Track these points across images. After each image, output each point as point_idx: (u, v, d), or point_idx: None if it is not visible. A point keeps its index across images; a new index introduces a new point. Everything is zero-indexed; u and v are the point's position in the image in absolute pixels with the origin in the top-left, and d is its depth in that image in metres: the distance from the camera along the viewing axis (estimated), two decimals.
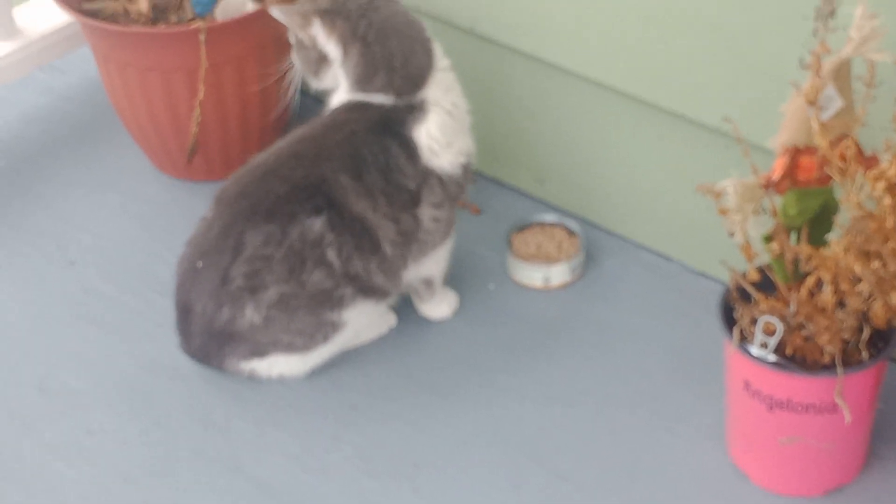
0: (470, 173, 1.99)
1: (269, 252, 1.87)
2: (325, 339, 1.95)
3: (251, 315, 1.90)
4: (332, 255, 1.88)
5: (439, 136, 1.92)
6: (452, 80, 1.96)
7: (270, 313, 1.90)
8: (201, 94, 2.21)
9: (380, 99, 1.92)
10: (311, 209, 1.88)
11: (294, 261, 1.87)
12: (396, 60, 1.89)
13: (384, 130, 1.91)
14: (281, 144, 1.96)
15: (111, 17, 2.27)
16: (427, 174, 1.93)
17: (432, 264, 2.01)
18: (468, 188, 2.01)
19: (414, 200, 1.93)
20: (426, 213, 1.94)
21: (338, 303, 1.92)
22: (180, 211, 2.29)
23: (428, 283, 2.04)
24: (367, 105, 1.92)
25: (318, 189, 1.88)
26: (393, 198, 1.91)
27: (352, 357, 2.03)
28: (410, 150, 1.92)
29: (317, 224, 1.87)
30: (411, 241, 1.95)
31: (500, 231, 2.19)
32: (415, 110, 1.92)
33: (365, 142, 1.90)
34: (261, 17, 2.20)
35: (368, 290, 1.94)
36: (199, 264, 1.91)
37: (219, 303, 1.90)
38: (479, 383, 1.98)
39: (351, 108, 1.94)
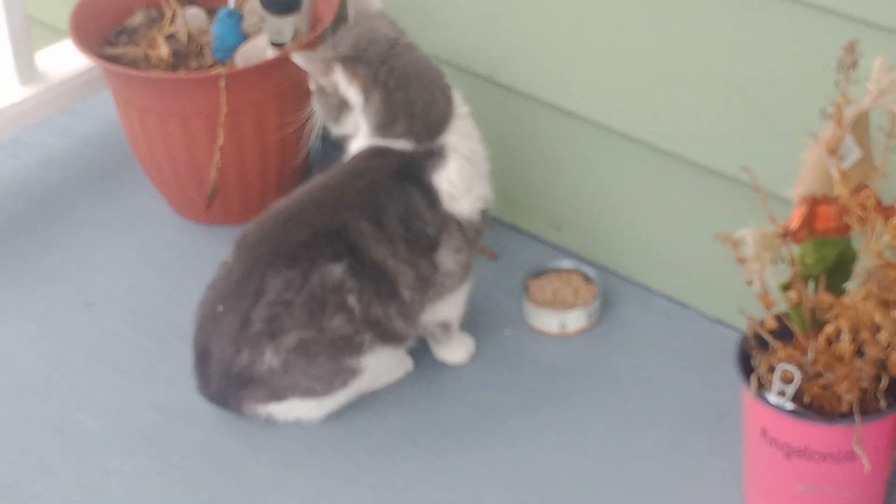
0: (488, 218, 2.00)
1: (289, 297, 1.88)
2: (344, 384, 1.95)
3: (270, 359, 1.91)
4: (352, 300, 1.89)
5: (458, 182, 1.94)
6: (471, 126, 1.98)
7: (289, 358, 1.90)
8: (221, 140, 2.22)
9: (400, 145, 1.93)
10: (332, 255, 1.89)
11: (314, 306, 1.88)
12: (417, 107, 1.91)
13: (404, 177, 1.92)
14: (302, 191, 1.98)
15: (132, 63, 2.29)
16: (447, 220, 1.94)
17: (450, 308, 2.02)
18: (485, 233, 2.02)
19: (433, 246, 1.94)
20: (445, 258, 1.95)
21: (357, 348, 1.92)
22: (198, 255, 2.30)
23: (445, 327, 2.05)
24: (387, 151, 1.94)
25: (338, 236, 1.90)
26: (413, 244, 1.92)
27: (368, 401, 2.03)
28: (430, 196, 1.93)
29: (337, 270, 1.89)
30: (429, 286, 1.96)
31: (516, 277, 2.20)
32: (434, 156, 1.93)
33: (385, 189, 1.92)
34: (281, 63, 2.22)
35: (387, 336, 1.95)
36: (220, 308, 1.92)
37: (238, 347, 1.91)
38: (494, 428, 1.99)
39: (371, 155, 1.95)
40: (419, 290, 1.94)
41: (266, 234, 1.94)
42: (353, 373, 1.94)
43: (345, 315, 1.89)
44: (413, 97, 1.91)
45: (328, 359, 1.91)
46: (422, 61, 1.95)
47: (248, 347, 1.90)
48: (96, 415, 2.03)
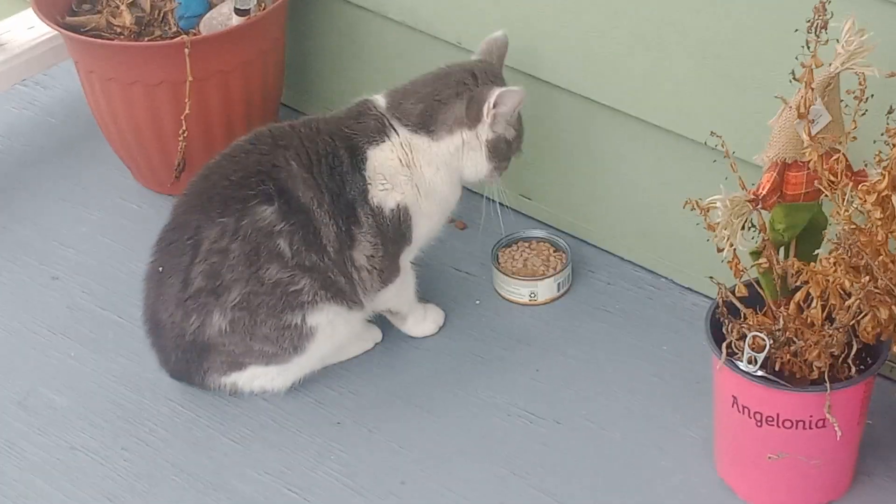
0: (403, 228, 1.95)
1: (224, 244, 1.87)
2: (295, 347, 1.92)
3: (218, 320, 1.89)
4: (283, 244, 1.87)
5: (383, 170, 1.92)
6: (439, 158, 1.96)
7: (235, 316, 1.88)
8: (187, 109, 2.19)
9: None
10: (263, 197, 1.87)
11: (250, 253, 1.87)
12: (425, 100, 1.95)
13: (342, 138, 1.92)
14: (245, 137, 1.98)
15: (95, 31, 2.26)
16: (365, 191, 1.91)
17: (389, 300, 2.01)
18: (402, 247, 1.97)
19: (352, 215, 1.91)
20: (360, 248, 1.93)
21: (296, 299, 1.89)
22: (162, 226, 2.27)
23: (392, 312, 2.04)
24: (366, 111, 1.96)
25: (269, 175, 1.88)
26: (336, 200, 1.89)
27: (336, 373, 2.02)
28: (357, 159, 1.91)
29: (267, 212, 1.87)
30: (346, 261, 1.93)
31: (486, 247, 2.18)
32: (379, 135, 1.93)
33: (324, 138, 1.92)
34: (246, 31, 2.19)
35: (330, 287, 1.91)
36: (160, 269, 1.91)
37: (185, 311, 1.89)
38: (465, 399, 1.97)
39: (351, 111, 1.98)
40: (340, 254, 1.92)
41: (199, 184, 1.94)
42: (301, 333, 1.91)
43: (278, 262, 1.87)
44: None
45: (270, 315, 1.89)
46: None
47: (196, 311, 1.89)
48: (62, 389, 2.01)
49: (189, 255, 1.88)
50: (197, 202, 1.91)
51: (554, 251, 2.17)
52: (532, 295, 2.12)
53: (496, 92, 1.90)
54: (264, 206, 1.87)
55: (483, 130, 1.93)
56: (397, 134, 1.93)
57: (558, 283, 2.12)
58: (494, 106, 1.90)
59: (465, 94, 1.92)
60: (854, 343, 1.66)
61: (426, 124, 1.93)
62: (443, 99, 1.93)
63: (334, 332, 1.94)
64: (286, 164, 1.89)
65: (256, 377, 1.95)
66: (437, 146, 1.93)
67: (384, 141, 1.92)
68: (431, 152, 1.93)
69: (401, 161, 1.92)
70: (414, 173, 1.93)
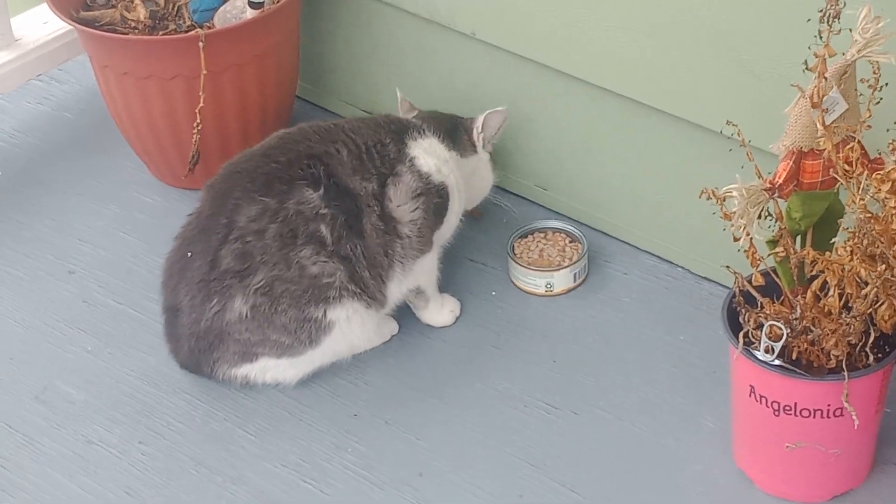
0: (441, 198, 2.02)
1: (262, 225, 1.88)
2: (311, 340, 1.92)
3: (240, 306, 1.89)
4: (325, 230, 1.89)
5: (428, 154, 2.02)
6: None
7: (257, 301, 1.88)
8: (202, 103, 2.19)
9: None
10: (311, 180, 1.90)
11: (287, 235, 1.88)
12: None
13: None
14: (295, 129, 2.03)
15: (109, 26, 2.26)
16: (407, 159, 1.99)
17: (419, 277, 2.02)
18: (438, 221, 2.02)
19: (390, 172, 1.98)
20: (400, 196, 1.97)
21: (324, 293, 1.90)
22: (179, 220, 2.24)
23: (419, 293, 2.05)
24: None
25: (319, 159, 1.92)
26: (385, 179, 1.95)
27: (353, 364, 2.02)
28: (401, 141, 2.01)
29: (314, 196, 1.89)
30: (389, 236, 1.95)
31: (502, 237, 2.18)
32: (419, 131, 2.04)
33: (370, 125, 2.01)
34: (260, 24, 2.19)
35: (357, 282, 1.92)
36: (189, 254, 1.92)
37: (208, 293, 1.89)
38: (481, 390, 1.97)
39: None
40: (382, 234, 1.93)
41: (239, 164, 1.96)
42: (320, 326, 1.91)
43: (316, 247, 1.88)
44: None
45: (293, 304, 1.89)
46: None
47: (218, 293, 1.89)
48: (78, 384, 2.01)
49: (221, 234, 1.89)
50: (237, 182, 1.93)
51: (570, 241, 2.17)
52: (548, 285, 2.11)
53: (482, 117, 2.10)
54: (310, 189, 1.90)
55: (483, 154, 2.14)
56: (431, 138, 2.05)
57: (574, 274, 2.12)
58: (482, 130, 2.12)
59: (459, 124, 2.12)
60: (871, 331, 1.65)
61: (453, 144, 2.09)
62: (453, 127, 2.10)
63: (350, 328, 1.94)
64: (336, 153, 1.93)
65: (268, 369, 1.96)
66: (465, 162, 2.10)
67: (425, 137, 2.03)
68: (459, 165, 2.09)
69: (439, 155, 2.03)
70: (452, 167, 2.05)
